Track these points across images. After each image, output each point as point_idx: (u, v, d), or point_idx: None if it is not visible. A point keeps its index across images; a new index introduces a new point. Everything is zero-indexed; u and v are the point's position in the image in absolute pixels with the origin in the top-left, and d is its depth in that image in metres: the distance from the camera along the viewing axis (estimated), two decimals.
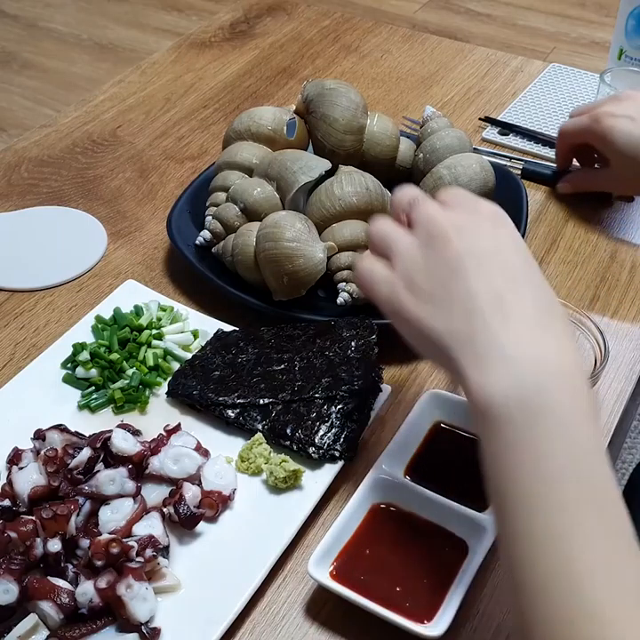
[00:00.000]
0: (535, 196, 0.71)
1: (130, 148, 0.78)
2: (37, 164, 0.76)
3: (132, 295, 0.59)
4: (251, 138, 0.65)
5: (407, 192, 0.41)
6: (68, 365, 0.54)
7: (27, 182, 0.74)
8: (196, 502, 0.45)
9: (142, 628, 0.40)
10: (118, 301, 0.58)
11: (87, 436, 0.48)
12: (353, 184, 0.58)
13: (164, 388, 0.53)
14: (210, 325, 0.57)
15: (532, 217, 0.67)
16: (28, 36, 0.98)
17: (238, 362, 0.53)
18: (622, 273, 0.65)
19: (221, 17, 1.00)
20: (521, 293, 0.34)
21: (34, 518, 0.43)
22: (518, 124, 0.80)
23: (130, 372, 0.53)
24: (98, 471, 0.45)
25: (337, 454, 0.48)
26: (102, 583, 0.40)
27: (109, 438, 0.47)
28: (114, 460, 0.46)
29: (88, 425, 0.50)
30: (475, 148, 0.70)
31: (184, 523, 0.44)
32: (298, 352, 0.53)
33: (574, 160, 0.70)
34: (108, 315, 0.58)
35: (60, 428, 0.48)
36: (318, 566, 0.42)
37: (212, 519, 0.46)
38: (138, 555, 0.42)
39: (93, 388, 0.53)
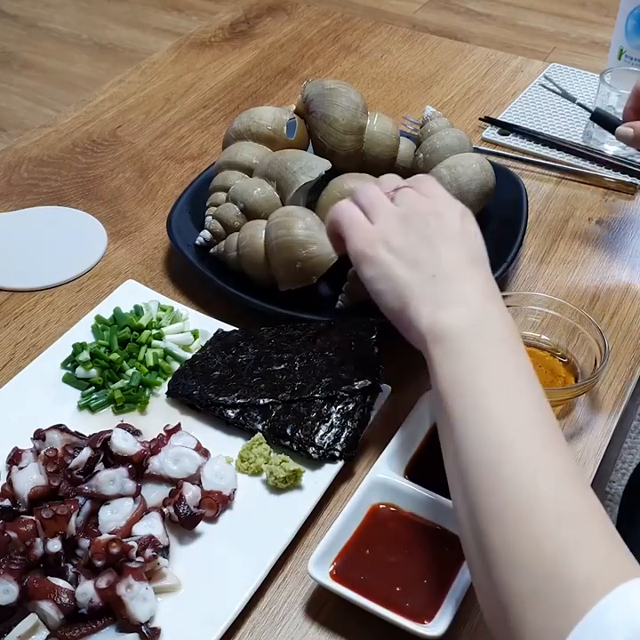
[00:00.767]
0: (535, 195, 0.71)
1: (130, 148, 0.78)
2: (37, 164, 0.76)
3: (131, 295, 0.59)
4: (251, 138, 0.65)
5: (394, 179, 0.47)
6: (68, 365, 0.54)
7: (27, 182, 0.74)
8: (195, 502, 0.45)
9: (142, 627, 0.40)
10: (118, 301, 0.58)
11: (87, 436, 0.48)
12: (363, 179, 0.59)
13: (164, 387, 0.53)
14: (210, 325, 0.57)
15: (532, 217, 0.67)
16: (27, 35, 0.98)
17: (238, 362, 0.53)
18: (622, 273, 0.65)
19: (221, 17, 1.00)
20: (477, 270, 0.43)
21: (34, 518, 0.43)
22: (518, 123, 0.80)
23: (130, 372, 0.53)
24: (98, 471, 0.45)
25: (337, 454, 0.48)
26: (102, 583, 0.40)
27: (109, 438, 0.47)
28: (114, 460, 0.46)
29: (88, 425, 0.50)
30: (475, 148, 0.70)
31: (184, 523, 0.44)
32: (298, 352, 0.53)
33: None
34: (108, 315, 0.58)
35: (60, 428, 0.48)
36: (318, 566, 0.42)
37: (212, 519, 0.46)
38: (138, 555, 0.42)
39: (93, 388, 0.53)
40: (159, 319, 0.57)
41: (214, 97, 0.86)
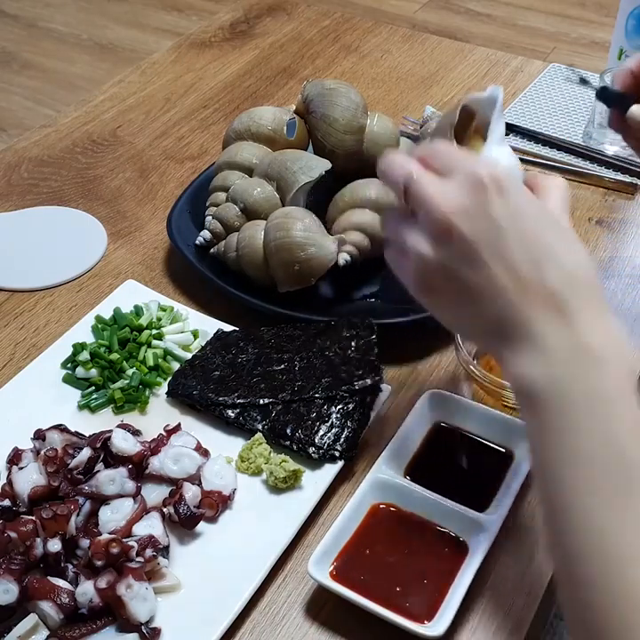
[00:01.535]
0: None
1: (130, 148, 0.78)
2: (37, 164, 0.76)
3: (131, 295, 0.59)
4: (251, 138, 0.65)
5: (398, 165, 0.37)
6: (68, 365, 0.54)
7: (27, 182, 0.74)
8: (195, 502, 0.45)
9: (142, 628, 0.40)
10: (118, 301, 0.58)
11: (87, 436, 0.48)
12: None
13: (164, 388, 0.53)
14: (210, 325, 0.57)
15: None
16: (28, 35, 0.98)
17: (238, 362, 0.53)
18: (622, 273, 0.65)
19: (221, 17, 1.00)
20: (544, 270, 0.32)
21: (34, 518, 0.43)
22: (518, 124, 0.80)
23: (130, 371, 0.53)
24: (98, 471, 0.45)
25: (337, 454, 0.48)
26: (102, 583, 0.40)
27: (109, 438, 0.47)
28: (114, 460, 0.46)
29: (88, 425, 0.50)
30: None
31: (184, 523, 0.44)
32: (298, 352, 0.53)
33: None
34: (108, 315, 0.58)
35: (60, 428, 0.48)
36: (318, 566, 0.42)
37: (212, 519, 0.46)
38: (138, 555, 0.42)
39: (93, 387, 0.53)
40: (159, 319, 0.57)
41: (214, 97, 0.86)
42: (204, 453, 0.48)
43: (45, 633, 0.40)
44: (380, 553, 0.43)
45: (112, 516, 0.44)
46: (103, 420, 0.51)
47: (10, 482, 0.45)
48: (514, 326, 0.32)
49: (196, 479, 0.47)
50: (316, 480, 0.47)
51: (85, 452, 0.46)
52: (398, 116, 0.80)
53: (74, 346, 0.55)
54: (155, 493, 0.46)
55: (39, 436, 0.48)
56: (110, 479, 0.45)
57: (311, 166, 0.59)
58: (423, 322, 0.56)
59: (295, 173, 0.59)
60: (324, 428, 0.48)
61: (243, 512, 0.46)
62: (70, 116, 0.82)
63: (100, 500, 0.45)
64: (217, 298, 0.60)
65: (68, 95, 0.86)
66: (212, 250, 0.62)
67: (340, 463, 0.48)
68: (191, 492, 0.45)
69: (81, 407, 0.52)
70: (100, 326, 0.57)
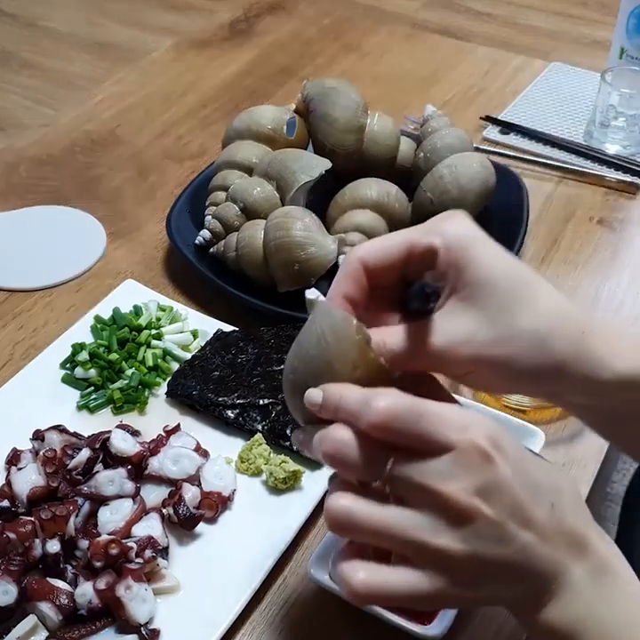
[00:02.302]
0: (536, 195, 0.71)
1: (129, 148, 0.78)
2: (36, 164, 0.76)
3: (131, 295, 0.59)
4: (250, 137, 0.65)
5: (352, 447, 0.30)
6: (67, 365, 0.54)
7: (26, 182, 0.74)
8: (195, 503, 0.45)
9: (142, 629, 0.40)
10: (117, 301, 0.58)
11: (86, 436, 0.48)
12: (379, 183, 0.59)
13: (164, 388, 0.53)
14: (209, 325, 0.57)
15: (533, 216, 0.67)
16: (27, 35, 0.98)
17: (238, 362, 0.53)
18: (623, 273, 0.65)
19: (221, 16, 1.00)
20: (557, 512, 0.31)
21: (33, 519, 0.43)
22: (519, 123, 0.79)
23: (129, 372, 0.53)
24: (97, 472, 0.45)
25: None
26: (101, 584, 0.40)
27: (108, 439, 0.46)
28: (113, 460, 0.46)
29: (87, 425, 0.50)
30: (476, 148, 0.70)
31: (183, 524, 0.44)
32: None
33: None
34: (107, 315, 0.57)
35: (59, 429, 0.48)
36: (318, 567, 0.42)
37: (212, 520, 0.46)
38: (137, 556, 0.42)
39: (92, 388, 0.53)
40: (158, 319, 0.57)
41: (214, 96, 0.85)
42: (204, 454, 0.48)
43: (44, 634, 0.40)
44: (379, 553, 0.43)
45: (111, 517, 0.44)
46: (102, 421, 0.51)
47: (9, 482, 0.45)
48: (546, 579, 0.30)
49: (195, 480, 0.46)
50: (316, 481, 0.47)
51: (84, 453, 0.46)
52: (399, 116, 0.79)
53: (73, 346, 0.54)
54: (154, 494, 0.46)
55: (38, 436, 0.48)
56: (109, 480, 0.45)
57: (311, 166, 0.59)
58: None
59: (295, 173, 0.59)
60: None
61: (242, 513, 0.46)
62: (69, 116, 0.82)
63: (100, 500, 0.45)
64: (216, 298, 0.60)
65: (68, 94, 0.85)
66: (211, 249, 0.62)
67: None
68: (191, 493, 0.45)
69: (80, 407, 0.52)
70: (99, 326, 0.56)
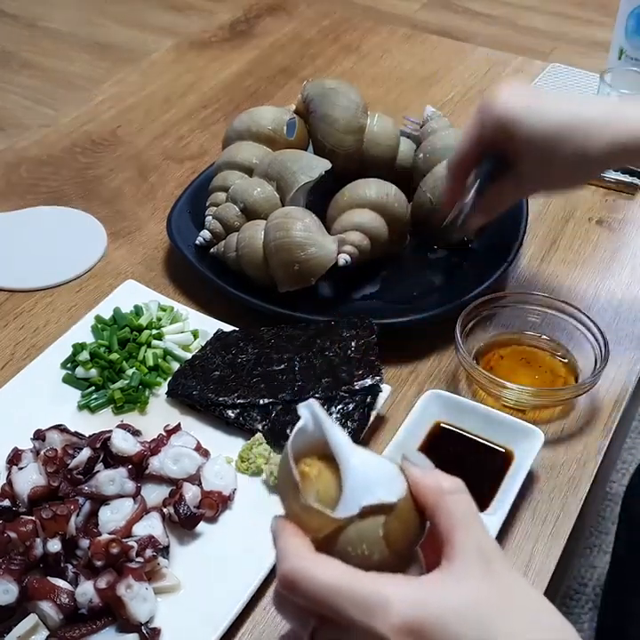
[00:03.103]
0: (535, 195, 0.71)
1: (129, 148, 0.78)
2: (37, 164, 0.76)
3: (131, 295, 0.59)
4: (251, 138, 0.65)
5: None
6: (68, 365, 0.54)
7: (26, 182, 0.74)
8: (195, 502, 0.45)
9: (142, 628, 0.40)
10: (118, 301, 0.58)
11: (87, 436, 0.48)
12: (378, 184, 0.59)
13: (164, 388, 0.53)
14: (210, 325, 0.57)
15: (532, 217, 0.67)
16: (27, 35, 0.98)
17: (238, 362, 0.53)
18: (622, 273, 0.65)
19: (221, 17, 1.00)
20: None
21: (34, 518, 0.43)
22: None
23: (130, 372, 0.53)
24: (98, 471, 0.45)
25: None
26: (102, 583, 0.40)
27: (109, 438, 0.47)
28: (114, 460, 0.46)
29: (88, 425, 0.50)
30: None
31: (184, 523, 0.44)
32: (298, 352, 0.53)
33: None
34: (107, 315, 0.58)
35: (60, 429, 0.48)
36: None
37: (212, 519, 0.46)
38: (138, 555, 0.42)
39: (93, 388, 0.53)
40: (159, 319, 0.57)
41: (214, 97, 0.86)
42: (204, 453, 0.48)
43: (45, 633, 0.40)
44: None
45: (112, 517, 0.44)
46: (103, 421, 0.51)
47: (10, 482, 0.45)
48: None
49: (195, 479, 0.47)
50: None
51: (85, 453, 0.46)
52: (398, 116, 0.79)
53: (74, 346, 0.54)
54: (155, 493, 0.46)
55: (39, 436, 0.48)
56: (110, 479, 0.45)
57: (311, 166, 0.59)
58: (423, 322, 0.56)
59: (295, 173, 0.59)
60: None
61: (243, 512, 0.46)
62: (70, 116, 0.82)
63: (100, 500, 0.45)
64: (217, 298, 0.60)
65: (68, 95, 0.86)
66: (211, 250, 0.62)
67: None
68: (191, 493, 0.45)
69: (81, 407, 0.52)
70: (99, 326, 0.57)
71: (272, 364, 0.52)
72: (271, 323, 0.56)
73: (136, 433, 0.49)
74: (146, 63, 0.91)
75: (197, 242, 0.62)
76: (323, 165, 0.60)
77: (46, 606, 0.40)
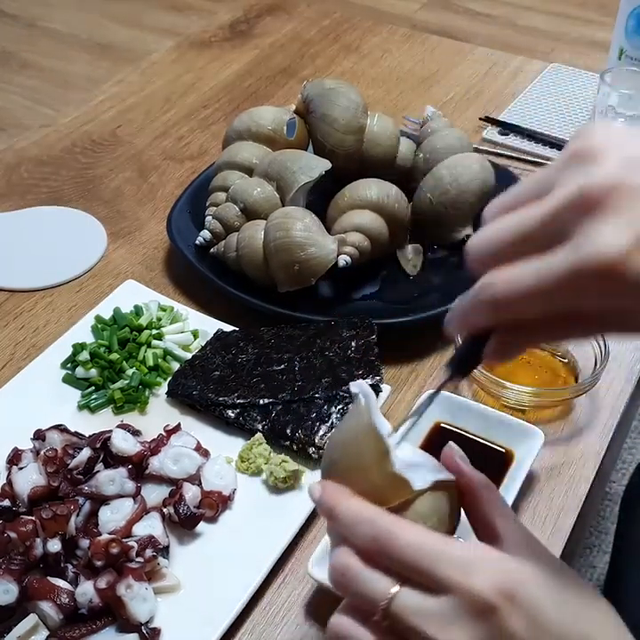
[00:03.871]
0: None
1: (129, 148, 0.78)
2: (37, 164, 0.76)
3: (131, 295, 0.59)
4: (251, 138, 0.65)
5: (350, 571, 0.28)
6: (68, 365, 0.54)
7: (26, 182, 0.74)
8: (195, 502, 0.45)
9: (142, 628, 0.40)
10: (118, 301, 0.58)
11: (87, 436, 0.48)
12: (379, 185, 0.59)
13: (164, 388, 0.53)
14: (210, 325, 0.57)
15: None
16: (27, 35, 0.98)
17: (238, 362, 0.53)
18: None
19: (221, 17, 1.00)
20: None
21: (34, 518, 0.43)
22: (519, 124, 0.80)
23: (130, 372, 0.53)
24: (98, 471, 0.45)
25: None
26: (102, 583, 0.40)
27: (109, 438, 0.47)
28: (114, 460, 0.46)
29: (88, 425, 0.50)
30: (475, 148, 0.70)
31: (184, 523, 0.44)
32: (298, 352, 0.53)
33: None
34: (107, 315, 0.58)
35: (60, 429, 0.48)
36: (318, 566, 0.42)
37: (212, 519, 0.46)
38: (138, 555, 0.42)
39: (93, 388, 0.53)
40: (159, 319, 0.57)
41: (214, 97, 0.86)
42: (204, 453, 0.48)
43: (45, 633, 0.40)
44: None
45: (112, 517, 0.44)
46: (103, 420, 0.51)
47: (10, 482, 0.45)
48: None
49: (195, 479, 0.47)
50: (317, 480, 0.47)
51: (85, 453, 0.46)
52: (398, 116, 0.79)
53: (74, 346, 0.54)
54: (155, 493, 0.46)
55: (39, 436, 0.48)
56: (110, 479, 0.45)
57: (311, 166, 0.59)
58: (423, 322, 0.56)
59: (295, 173, 0.59)
60: (324, 428, 0.48)
61: (243, 512, 0.46)
62: (70, 116, 0.82)
63: (100, 500, 0.45)
64: (217, 298, 0.60)
65: (68, 95, 0.86)
66: (211, 250, 0.62)
67: None
68: (191, 493, 0.45)
69: (81, 407, 0.52)
70: (99, 326, 0.57)
71: (272, 364, 0.52)
72: (271, 323, 0.56)
73: (136, 433, 0.49)
74: (146, 63, 0.91)
75: (197, 242, 0.62)
76: (323, 165, 0.60)
77: (46, 606, 0.40)
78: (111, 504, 0.44)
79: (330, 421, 0.49)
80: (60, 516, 0.42)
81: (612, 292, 0.25)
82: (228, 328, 0.56)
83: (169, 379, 0.53)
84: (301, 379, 0.51)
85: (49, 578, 0.41)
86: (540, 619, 0.27)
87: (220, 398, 0.51)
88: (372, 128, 0.64)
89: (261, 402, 0.50)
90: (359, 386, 0.31)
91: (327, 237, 0.57)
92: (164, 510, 0.45)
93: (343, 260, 0.57)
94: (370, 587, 0.28)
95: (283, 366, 0.52)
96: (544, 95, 0.85)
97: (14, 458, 0.47)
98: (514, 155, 0.77)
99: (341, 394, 0.49)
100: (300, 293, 0.57)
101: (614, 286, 0.25)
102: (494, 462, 0.48)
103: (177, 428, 0.49)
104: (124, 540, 0.42)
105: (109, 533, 0.43)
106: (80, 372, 0.53)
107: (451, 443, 0.33)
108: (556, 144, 0.77)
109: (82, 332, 0.56)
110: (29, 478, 0.45)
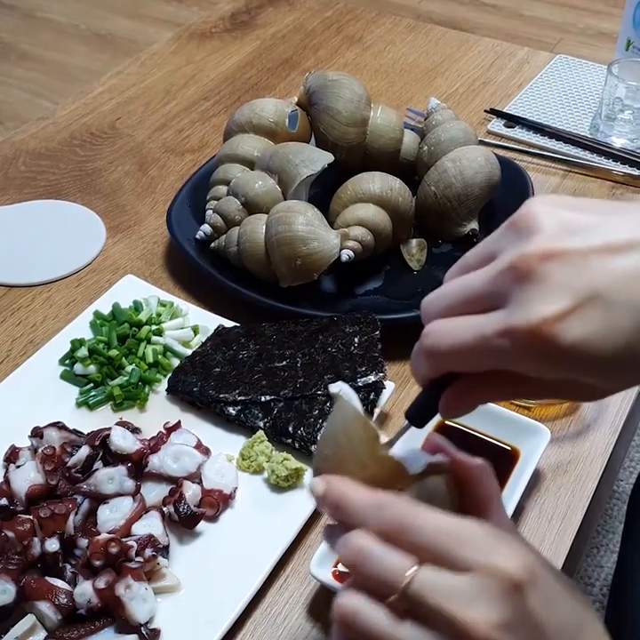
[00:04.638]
0: (542, 189, 0.70)
1: (129, 141, 0.77)
2: (35, 157, 0.75)
3: (131, 290, 0.58)
4: (252, 130, 0.64)
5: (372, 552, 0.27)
6: (67, 362, 0.54)
7: (24, 176, 0.73)
8: (196, 501, 0.44)
9: (142, 628, 0.40)
10: (117, 297, 0.58)
11: (85, 433, 0.48)
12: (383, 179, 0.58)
13: (164, 384, 0.52)
14: (210, 321, 0.56)
15: None
16: (25, 26, 0.97)
17: (239, 358, 0.52)
18: None
19: (222, 7, 0.99)
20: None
21: (31, 517, 0.42)
22: (524, 116, 0.79)
23: (129, 368, 0.53)
24: (96, 469, 0.45)
25: None
26: (101, 583, 0.40)
27: (108, 436, 0.46)
28: (113, 458, 0.46)
29: (86, 422, 0.49)
30: (480, 141, 0.69)
31: (184, 522, 0.44)
32: (300, 348, 0.52)
33: None
34: (106, 310, 0.57)
35: (58, 426, 0.48)
36: (320, 566, 0.41)
37: (213, 518, 0.45)
38: (137, 554, 0.41)
39: (92, 384, 0.52)
40: (159, 315, 0.56)
41: (215, 89, 0.85)
42: (205, 451, 0.48)
43: (43, 634, 0.40)
44: None
45: (111, 516, 0.43)
46: (102, 418, 0.50)
47: (7, 480, 0.45)
48: None
49: (196, 478, 0.46)
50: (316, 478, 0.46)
51: (84, 450, 0.45)
52: (402, 108, 0.78)
53: (72, 342, 0.54)
54: (154, 492, 0.46)
55: (37, 433, 0.48)
56: (109, 478, 0.44)
57: (313, 159, 0.58)
58: None
59: (297, 166, 0.58)
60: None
61: (244, 511, 0.46)
62: (68, 108, 0.81)
63: (99, 498, 0.44)
64: (217, 293, 0.59)
65: (67, 87, 0.85)
66: (212, 244, 0.61)
67: None
68: (191, 491, 0.45)
69: (79, 404, 0.51)
70: (98, 322, 0.56)
71: (274, 361, 0.51)
72: (273, 318, 0.55)
73: (135, 430, 0.48)
74: (146, 55, 0.90)
75: (198, 236, 0.61)
76: (325, 158, 0.59)
77: (44, 607, 0.40)
78: (110, 503, 0.44)
79: None
80: (59, 515, 0.42)
81: (548, 362, 0.26)
82: (228, 324, 0.56)
83: (169, 375, 0.53)
84: (303, 375, 0.50)
85: (47, 578, 0.41)
86: (552, 603, 0.27)
87: (221, 395, 0.50)
88: (376, 120, 0.63)
89: (263, 399, 0.49)
90: (338, 386, 0.32)
91: (330, 231, 0.56)
92: (164, 509, 0.44)
93: (346, 254, 0.56)
94: (389, 565, 0.27)
95: (284, 363, 0.51)
96: (550, 87, 0.83)
97: (12, 456, 0.47)
98: (519, 147, 0.76)
99: None
100: (302, 288, 0.57)
101: (547, 355, 0.26)
102: (500, 460, 0.47)
103: (177, 425, 0.49)
104: (123, 540, 0.42)
105: (108, 533, 0.42)
106: (78, 368, 0.53)
107: (431, 432, 0.32)
108: (563, 136, 0.76)
109: (80, 327, 0.56)
110: (27, 476, 0.44)
